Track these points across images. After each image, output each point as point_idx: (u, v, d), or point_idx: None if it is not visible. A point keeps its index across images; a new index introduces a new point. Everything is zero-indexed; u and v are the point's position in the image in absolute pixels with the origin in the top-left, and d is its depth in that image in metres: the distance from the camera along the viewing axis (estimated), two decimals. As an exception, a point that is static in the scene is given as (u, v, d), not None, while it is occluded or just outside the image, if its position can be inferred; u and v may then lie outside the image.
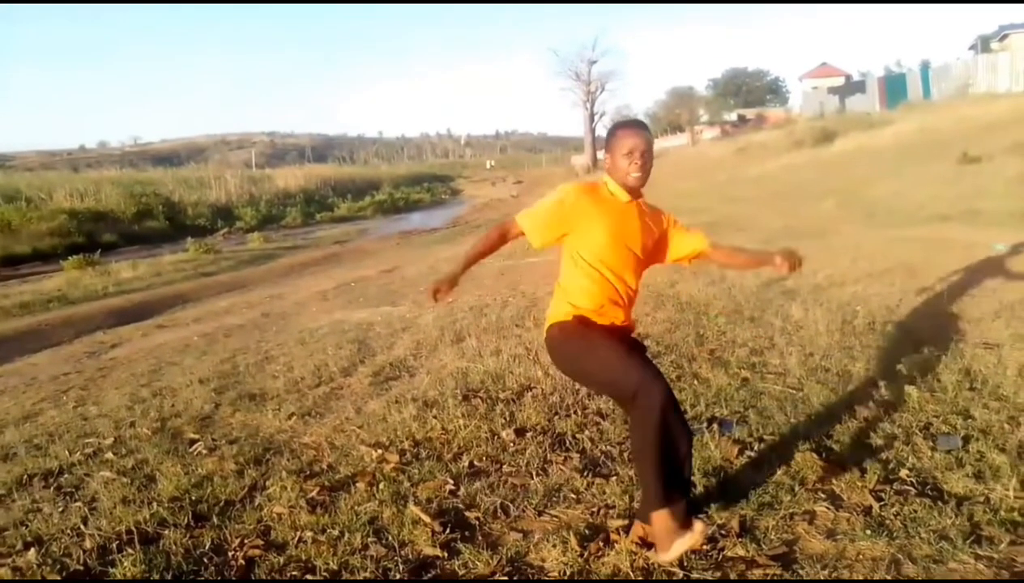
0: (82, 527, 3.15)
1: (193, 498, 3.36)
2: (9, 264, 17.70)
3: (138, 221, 25.09)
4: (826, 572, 2.42)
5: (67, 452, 4.18)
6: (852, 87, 46.09)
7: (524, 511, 3.03)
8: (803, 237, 9.43)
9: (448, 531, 2.88)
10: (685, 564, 2.53)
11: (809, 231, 10.02)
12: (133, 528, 3.05)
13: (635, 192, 2.74)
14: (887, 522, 2.69)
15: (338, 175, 45.29)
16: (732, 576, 2.45)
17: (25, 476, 3.88)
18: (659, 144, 59.19)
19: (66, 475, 3.85)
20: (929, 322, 5.11)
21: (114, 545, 2.94)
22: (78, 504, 3.43)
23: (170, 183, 31.84)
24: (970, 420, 3.50)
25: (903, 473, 3.04)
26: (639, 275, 2.80)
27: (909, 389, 3.89)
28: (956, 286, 5.93)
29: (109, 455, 4.08)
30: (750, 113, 60.72)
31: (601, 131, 63.01)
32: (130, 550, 2.89)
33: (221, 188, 32.39)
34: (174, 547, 2.90)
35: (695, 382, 4.37)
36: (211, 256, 17.07)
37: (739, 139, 39.57)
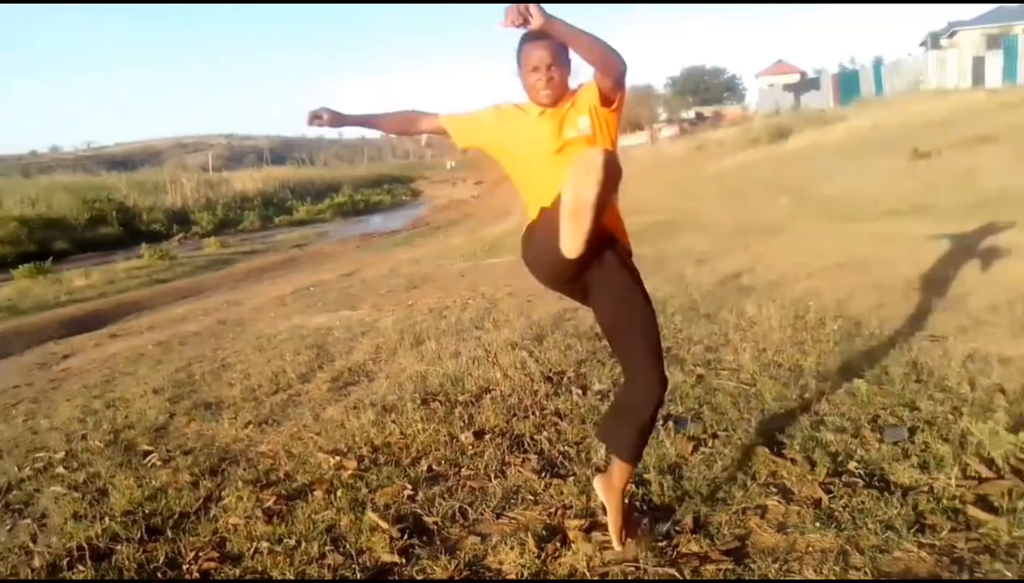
0: (31, 545, 3.10)
1: (147, 511, 3.32)
2: (-43, 274, 17.20)
3: (91, 227, 24.55)
4: (777, 565, 2.47)
5: (16, 468, 4.10)
6: (807, 84, 46.87)
7: (482, 514, 3.05)
8: (758, 234, 9.57)
9: (406, 537, 2.88)
10: (640, 561, 2.57)
11: (765, 227, 10.17)
12: (84, 544, 3.01)
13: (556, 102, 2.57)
14: (836, 514, 2.75)
15: (297, 177, 44.78)
16: (686, 572, 2.49)
17: (-28, 493, 3.79)
18: (619, 142, 59.53)
19: (15, 492, 3.78)
20: (878, 315, 5.22)
21: (64, 562, 2.90)
22: (27, 521, 3.38)
23: (124, 188, 31.15)
24: (916, 411, 3.58)
25: (852, 465, 3.11)
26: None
27: (858, 382, 3.98)
28: (905, 280, 6.06)
29: (60, 469, 4.01)
30: (707, 111, 61.49)
31: (562, 130, 63.18)
32: (81, 567, 2.85)
33: (177, 192, 31.81)
34: (127, 562, 2.87)
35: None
36: (166, 262, 16.78)
37: (697, 137, 39.98)
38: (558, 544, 2.74)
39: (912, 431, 3.37)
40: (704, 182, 19.32)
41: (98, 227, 24.83)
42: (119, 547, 2.99)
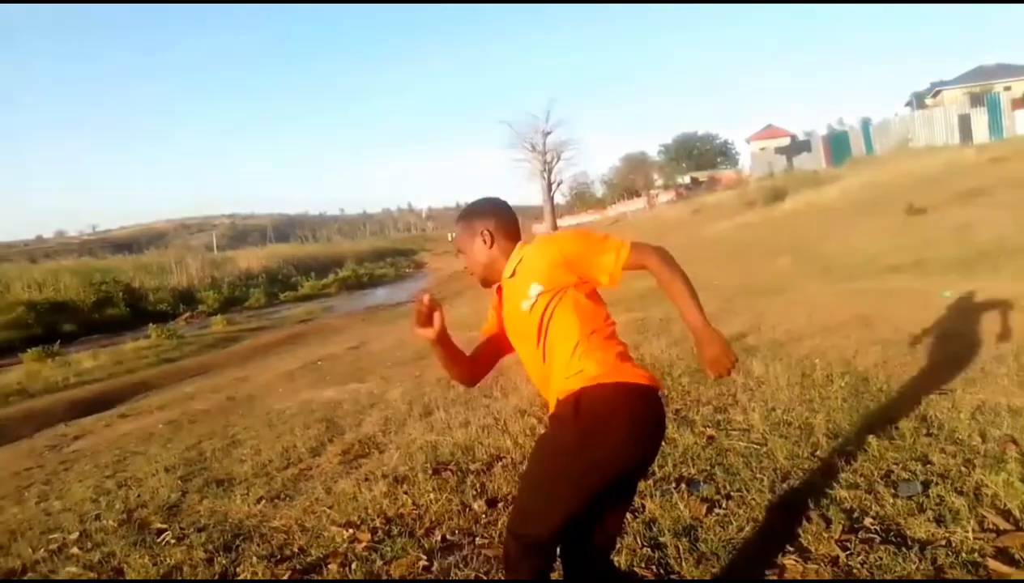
0: (48, 627, 3.09)
1: (161, 590, 3.31)
2: (-35, 361, 17.28)
3: (98, 310, 24.74)
4: (798, 624, 2.46)
5: (30, 549, 4.09)
6: (798, 146, 47.60)
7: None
8: (760, 294, 9.65)
9: (423, 608, 2.87)
10: (660, 626, 2.56)
11: (766, 288, 10.26)
12: (102, 625, 3.00)
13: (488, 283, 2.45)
14: (854, 571, 2.75)
15: (301, 254, 45.31)
16: (706, 634, 2.48)
17: (-14, 578, 3.79)
18: (616, 209, 60.32)
19: (30, 573, 3.78)
20: (885, 371, 5.25)
21: (82, 644, 2.89)
22: (43, 605, 3.36)
23: (130, 270, 31.55)
24: (929, 465, 3.59)
25: (867, 521, 3.11)
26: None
27: (869, 438, 3.99)
28: (909, 334, 6.10)
29: (74, 550, 4.00)
30: (702, 176, 62.35)
31: (560, 199, 64.24)
32: (98, 648, 2.84)
33: (182, 272, 32.16)
34: (144, 642, 2.85)
35: (662, 443, 4.42)
36: (173, 341, 16.87)
37: (693, 201, 40.50)
38: (577, 610, 2.73)
39: (926, 485, 3.37)
40: (704, 245, 19.50)
41: (105, 309, 25.03)
42: (136, 627, 2.98)
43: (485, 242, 2.35)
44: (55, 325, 21.38)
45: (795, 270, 11.87)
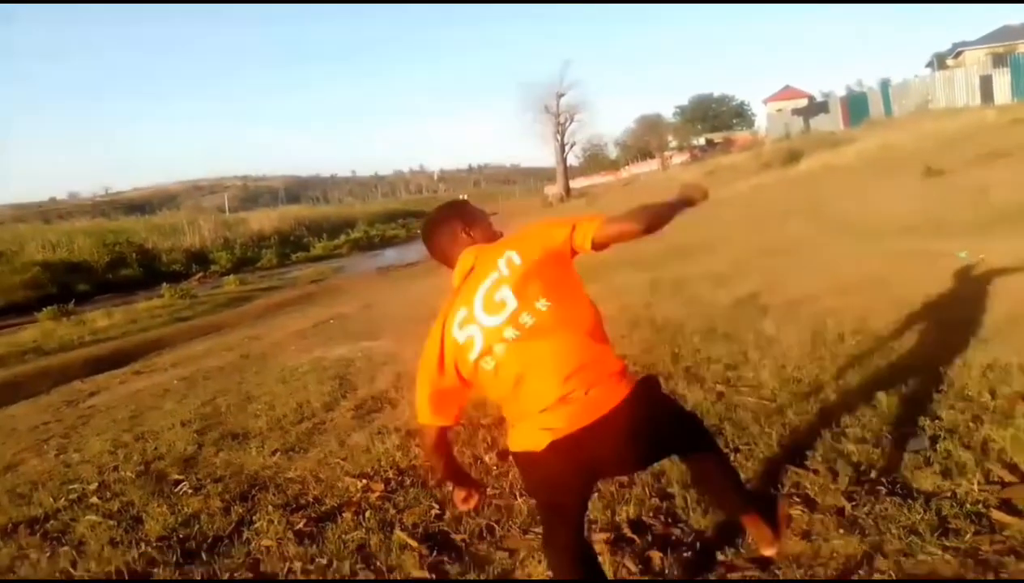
0: (71, 570, 3.18)
1: (181, 536, 3.40)
2: (-17, 319, 17.50)
3: (112, 270, 24.93)
4: (802, 571, 2.50)
5: (51, 499, 4.19)
6: (815, 108, 47.01)
7: (509, 531, 3.10)
8: (774, 254, 9.60)
9: (435, 554, 2.93)
10: (666, 571, 2.61)
11: (780, 249, 10.20)
12: (123, 568, 3.08)
13: None
14: (859, 521, 2.78)
15: (312, 215, 45.32)
16: (712, 578, 2.53)
17: (10, 524, 3.89)
18: (629, 171, 59.91)
19: (52, 521, 3.87)
20: (897, 330, 5.24)
21: (104, 584, 2.97)
22: (66, 548, 3.46)
23: (143, 231, 31.70)
24: (937, 421, 3.60)
25: (874, 474, 3.13)
26: None
27: (878, 395, 4.00)
28: (922, 295, 6.07)
29: (94, 499, 4.10)
30: (718, 137, 61.79)
31: (573, 161, 63.79)
32: (120, 590, 2.92)
33: (195, 233, 32.28)
34: (164, 584, 2.93)
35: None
36: (187, 301, 17.00)
37: (708, 163, 40.16)
38: (586, 557, 2.78)
39: (934, 440, 3.39)
40: (718, 206, 19.36)
41: (118, 269, 25.22)
42: (156, 570, 3.06)
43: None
44: (70, 285, 21.57)
45: (809, 231, 11.78)
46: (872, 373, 4.41)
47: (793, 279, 7.64)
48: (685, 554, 2.71)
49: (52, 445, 5.57)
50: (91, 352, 11.31)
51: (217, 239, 32.59)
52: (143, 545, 3.32)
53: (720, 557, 2.65)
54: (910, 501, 2.85)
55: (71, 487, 4.37)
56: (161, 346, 11.36)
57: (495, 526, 3.13)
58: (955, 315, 5.42)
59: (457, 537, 3.07)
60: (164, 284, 19.43)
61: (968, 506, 2.77)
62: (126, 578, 2.98)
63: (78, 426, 6.15)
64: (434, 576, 2.77)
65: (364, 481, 3.78)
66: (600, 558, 2.72)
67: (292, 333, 10.35)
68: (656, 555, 2.71)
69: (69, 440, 5.65)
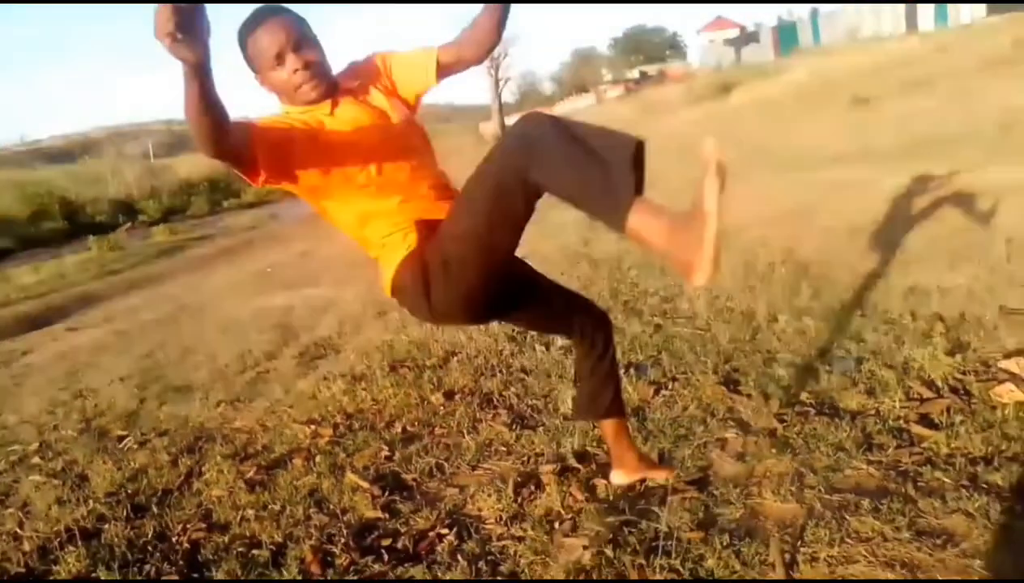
0: (18, 531, 3.15)
1: (129, 491, 3.39)
2: None
3: (34, 223, 23.95)
4: (738, 491, 2.65)
5: (-9, 462, 4.12)
6: (747, 38, 47.28)
7: (459, 468, 3.18)
8: (707, 187, 9.76)
9: (387, 494, 3.00)
10: (610, 497, 2.73)
11: (713, 181, 10.37)
12: (72, 526, 3.07)
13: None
14: (790, 441, 2.94)
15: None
16: (654, 504, 2.65)
17: (-51, 490, 3.81)
18: (567, 106, 59.59)
19: (-8, 485, 3.81)
20: (824, 258, 5.44)
21: (55, 544, 2.96)
22: (11, 510, 3.41)
23: (64, 181, 30.39)
24: (862, 343, 3.79)
25: (803, 396, 3.30)
26: None
27: (807, 320, 4.18)
28: (849, 223, 6.27)
29: (36, 460, 4.04)
30: (651, 70, 61.66)
31: (508, 97, 63.00)
32: (72, 547, 2.92)
33: (119, 182, 31.09)
34: (116, 539, 2.94)
35: (612, 333, 4.56)
36: (116, 253, 16.48)
37: (642, 96, 40.15)
38: (533, 488, 2.89)
39: (859, 361, 3.57)
40: (655, 141, 19.46)
41: (41, 222, 24.23)
42: (107, 526, 3.06)
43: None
44: (-9, 241, 20.69)
45: (739, 164, 11.96)
46: (801, 300, 4.59)
47: (724, 211, 7.78)
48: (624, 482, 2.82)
49: (-14, 407, 5.43)
50: (20, 310, 10.92)
51: (143, 188, 31.47)
52: (91, 502, 3.30)
53: (661, 481, 2.78)
54: (837, 420, 3.02)
55: (11, 449, 4.29)
56: (93, 301, 11.04)
57: (444, 464, 3.21)
58: (879, 241, 5.64)
59: (408, 476, 3.14)
60: (91, 237, 18.74)
61: (890, 422, 2.95)
62: (76, 536, 2.97)
63: (12, 387, 5.99)
64: (386, 516, 2.84)
65: (312, 427, 3.81)
66: (548, 489, 2.84)
67: (229, 283, 10.18)
68: (601, 483, 2.82)
69: (4, 402, 5.51)
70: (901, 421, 2.95)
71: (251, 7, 1.87)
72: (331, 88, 1.96)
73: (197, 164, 39.55)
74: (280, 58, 1.85)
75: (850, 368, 3.51)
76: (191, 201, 30.11)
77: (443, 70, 2.11)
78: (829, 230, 6.20)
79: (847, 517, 2.38)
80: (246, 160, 1.79)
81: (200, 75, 1.53)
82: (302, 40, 1.86)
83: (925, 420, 2.93)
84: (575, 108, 53.48)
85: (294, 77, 1.87)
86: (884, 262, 5.11)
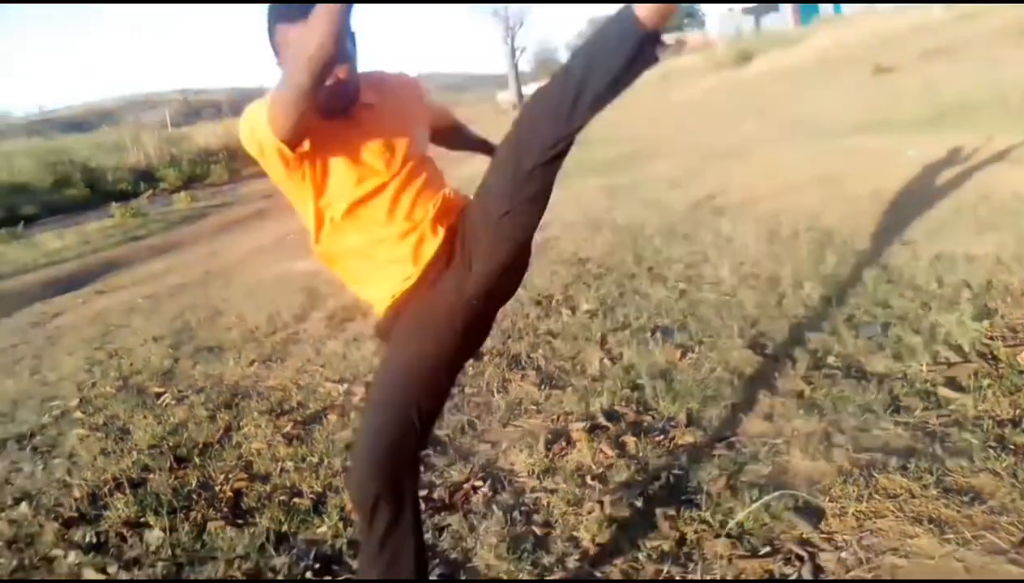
0: (68, 479, 3.28)
1: (171, 444, 3.50)
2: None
3: (57, 190, 24.13)
4: (766, 448, 2.71)
5: (35, 416, 4.24)
6: (766, 7, 46.53)
7: (490, 425, 3.26)
8: (728, 156, 9.73)
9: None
10: (640, 454, 2.80)
11: (734, 150, 10.32)
12: (119, 475, 3.19)
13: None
14: (818, 402, 3.00)
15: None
16: (683, 460, 2.72)
17: (-4, 441, 3.94)
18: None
19: (39, 437, 3.93)
20: (849, 225, 5.44)
21: (104, 491, 3.08)
22: (58, 460, 3.54)
23: (84, 149, 30.56)
24: (888, 309, 3.82)
25: (830, 360, 3.35)
26: None
27: (833, 287, 4.21)
28: (873, 190, 6.26)
29: (78, 414, 4.16)
30: (669, 39, 60.72)
31: (524, 66, 62.49)
32: (120, 494, 3.03)
33: (139, 151, 31.20)
34: (162, 488, 3.05)
35: (636, 297, 4.62)
36: (139, 220, 16.61)
37: (661, 65, 39.70)
38: (564, 444, 2.97)
39: (886, 326, 3.61)
40: (672, 109, 19.37)
41: (63, 189, 24.40)
42: (151, 476, 3.17)
43: None
44: (14, 208, 20.86)
45: (762, 132, 11.91)
46: (826, 267, 4.62)
47: (747, 180, 7.80)
48: (657, 437, 2.90)
49: (25, 366, 5.55)
50: (48, 274, 11.09)
51: (163, 156, 31.54)
52: (135, 453, 3.42)
53: (690, 440, 2.85)
54: (864, 383, 3.07)
55: (53, 404, 4.41)
56: (118, 266, 11.17)
57: (476, 421, 3.29)
58: (904, 209, 5.64)
59: (441, 433, 3.22)
60: (113, 204, 18.90)
61: (918, 385, 2.99)
62: (124, 484, 3.09)
63: (47, 347, 6.12)
64: (422, 468, 2.92)
65: (345, 385, 3.90)
66: (579, 445, 2.92)
67: (252, 249, 10.28)
68: (631, 440, 2.89)
69: (41, 360, 5.64)
70: (928, 384, 2.99)
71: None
72: (351, 103, 1.78)
73: (215, 132, 39.70)
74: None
75: (877, 333, 3.55)
76: (210, 169, 30.16)
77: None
78: (853, 198, 6.19)
79: (875, 474, 2.44)
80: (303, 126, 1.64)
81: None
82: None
83: (952, 383, 2.98)
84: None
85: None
86: (910, 230, 5.12)
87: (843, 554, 2.11)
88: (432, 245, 1.78)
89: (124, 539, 2.76)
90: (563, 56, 75.87)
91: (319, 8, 1.46)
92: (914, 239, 4.88)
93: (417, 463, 1.95)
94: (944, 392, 2.92)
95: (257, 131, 1.65)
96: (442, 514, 2.62)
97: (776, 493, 2.39)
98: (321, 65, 1.51)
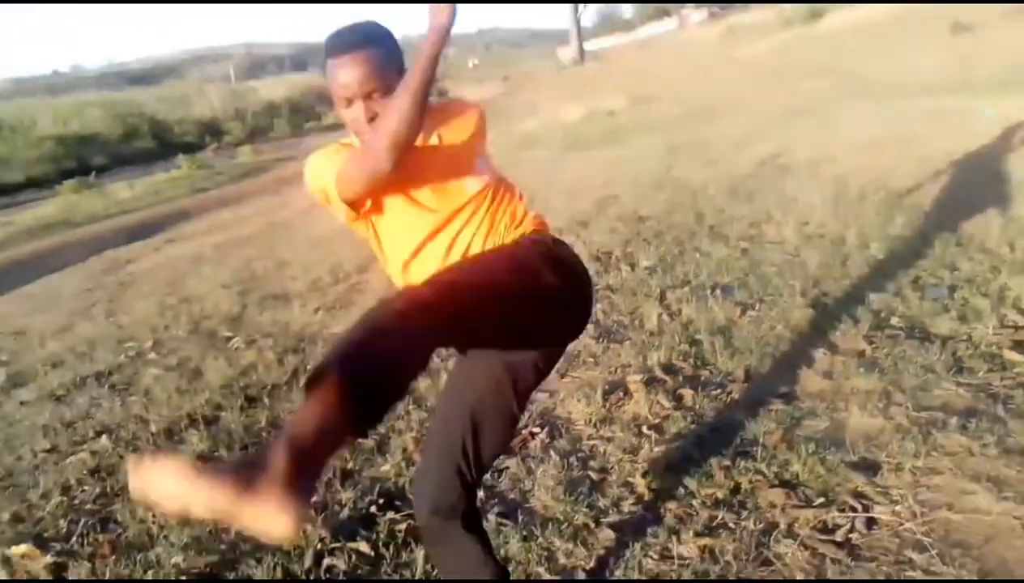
0: (144, 415, 3.46)
1: (241, 385, 3.66)
2: (5, 193, 17.72)
3: (126, 142, 24.93)
4: (824, 405, 2.72)
5: (111, 356, 4.47)
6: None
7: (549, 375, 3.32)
8: (796, 115, 9.52)
9: (480, 395, 3.17)
10: (697, 406, 2.83)
11: (802, 109, 10.09)
12: (193, 412, 3.36)
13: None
14: (879, 361, 2.98)
15: (323, 84, 44.03)
16: (741, 414, 2.75)
17: (78, 378, 4.17)
18: (646, 31, 57.88)
19: (116, 375, 4.14)
20: (919, 188, 5.30)
21: (179, 426, 3.25)
22: (135, 397, 3.73)
23: (152, 102, 31.35)
24: (956, 272, 3.74)
25: (893, 320, 3.31)
26: None
27: (899, 248, 4.14)
28: (946, 153, 6.08)
29: (152, 355, 4.37)
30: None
31: (586, 22, 61.43)
32: (194, 430, 3.20)
33: (205, 104, 31.92)
34: (233, 425, 3.21)
35: (697, 255, 4.61)
36: (205, 171, 17.09)
37: (728, 20, 38.73)
38: (621, 395, 3.02)
39: (952, 289, 3.54)
40: (739, 66, 18.91)
41: (132, 141, 25.19)
42: (224, 414, 3.33)
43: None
44: (86, 158, 21.62)
45: (833, 91, 11.59)
46: (893, 229, 4.53)
47: (815, 139, 7.63)
48: (714, 392, 2.93)
49: (99, 309, 5.83)
50: (118, 223, 11.52)
51: (227, 109, 32.24)
52: (208, 393, 3.59)
53: (747, 395, 2.87)
54: (927, 343, 3.04)
55: (128, 345, 4.63)
56: (186, 216, 11.54)
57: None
58: (978, 172, 5.47)
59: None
60: (180, 155, 19.44)
61: (983, 347, 2.95)
62: (199, 421, 3.25)
63: (120, 292, 6.40)
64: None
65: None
66: (635, 396, 2.97)
67: (314, 203, 10.46)
68: (688, 393, 2.92)
69: (115, 304, 5.91)
70: (994, 347, 2.94)
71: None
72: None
73: (279, 86, 40.24)
74: (350, 102, 1.61)
75: (943, 295, 3.49)
76: (274, 123, 30.75)
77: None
78: (925, 160, 6.02)
79: (934, 432, 2.43)
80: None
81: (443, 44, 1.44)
82: (377, 89, 1.58)
83: (1019, 347, 2.92)
84: (656, 32, 52.01)
85: (357, 125, 1.63)
86: (981, 193, 4.97)
87: (897, 507, 2.12)
88: None
89: (199, 471, 2.92)
90: (626, 12, 74.48)
91: (407, 78, 1.41)
92: (987, 202, 4.73)
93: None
94: (1010, 355, 2.88)
95: (323, 181, 1.61)
96: (501, 458, 2.70)
97: (831, 449, 2.40)
98: (406, 146, 1.45)
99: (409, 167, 1.57)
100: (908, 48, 14.12)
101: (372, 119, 1.58)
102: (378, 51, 1.59)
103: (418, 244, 1.66)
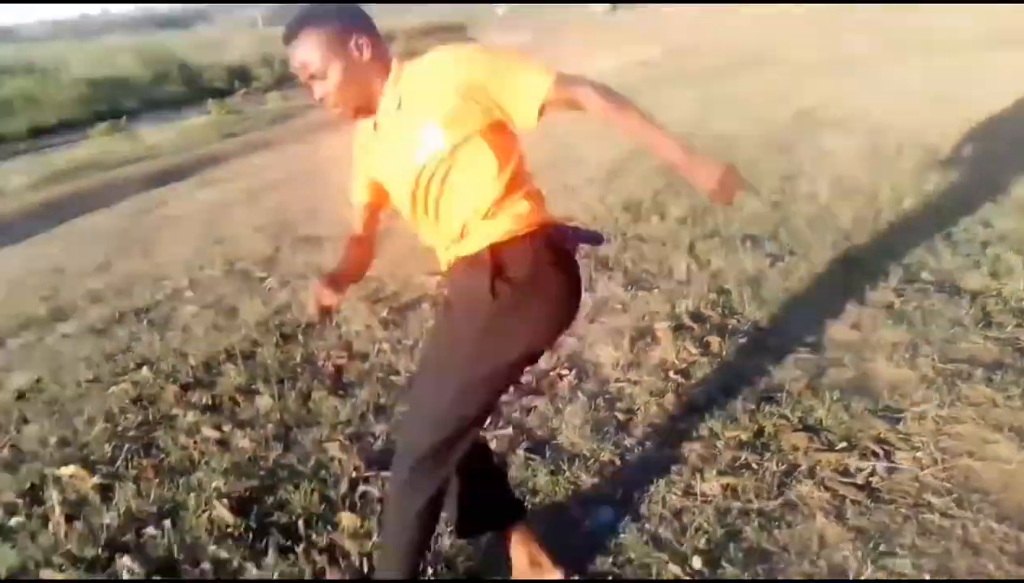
0: (183, 349, 3.57)
1: (276, 323, 3.75)
2: (37, 135, 17.91)
3: (156, 86, 24.93)
4: (851, 355, 2.75)
5: (149, 293, 4.58)
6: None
7: (577, 320, 3.37)
8: (834, 71, 9.33)
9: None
10: (723, 353, 2.87)
11: (840, 64, 9.88)
12: (230, 348, 3.45)
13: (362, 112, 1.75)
14: (907, 314, 2.99)
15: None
16: (768, 361, 2.79)
17: (117, 313, 4.28)
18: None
19: (153, 312, 4.25)
20: (956, 145, 5.23)
21: (217, 360, 3.35)
22: (173, 332, 3.84)
23: (181, 47, 31.29)
24: (990, 228, 3.72)
25: (924, 275, 3.32)
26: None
27: (933, 203, 4.11)
28: (985, 111, 5.97)
29: (188, 293, 4.47)
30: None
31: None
32: (231, 364, 3.30)
33: (234, 49, 31.80)
34: (270, 361, 3.30)
35: (727, 207, 4.60)
36: (234, 117, 17.10)
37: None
38: (648, 341, 3.06)
39: (985, 245, 3.53)
40: (783, 18, 18.49)
41: (162, 85, 25.18)
42: (260, 350, 3.43)
43: (360, 56, 1.65)
44: (116, 101, 21.71)
45: (872, 46, 11.33)
46: (928, 185, 4.49)
47: (852, 95, 7.50)
48: (741, 340, 2.97)
49: (136, 249, 5.93)
50: (151, 165, 11.61)
51: (256, 55, 32.07)
52: (244, 329, 3.69)
53: (774, 343, 2.90)
54: (957, 298, 3.05)
55: (164, 283, 4.74)
56: (217, 161, 11.59)
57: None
58: (1017, 130, 5.38)
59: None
60: (209, 100, 19.47)
61: (1012, 303, 2.96)
62: (236, 356, 3.35)
63: (155, 233, 6.49)
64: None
65: (437, 277, 4.06)
66: (663, 342, 3.01)
67: (343, 148, 10.43)
68: (715, 340, 2.97)
69: (150, 245, 6.01)
70: (1024, 303, 2.95)
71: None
72: (364, 108, 1.74)
73: (307, 33, 39.93)
74: (307, 85, 1.71)
75: (975, 251, 3.48)
76: (301, 70, 30.57)
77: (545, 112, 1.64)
78: (966, 117, 5.91)
79: (959, 383, 2.47)
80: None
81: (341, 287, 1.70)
82: (315, 73, 1.64)
83: (1050, 303, 2.93)
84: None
85: (319, 101, 1.71)
86: (1020, 150, 4.90)
87: (919, 454, 2.16)
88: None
89: (237, 403, 3.03)
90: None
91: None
92: (1025, 160, 4.67)
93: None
94: (1040, 311, 2.88)
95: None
96: (530, 397, 2.77)
97: (856, 397, 2.44)
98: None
99: (382, 136, 1.77)
100: (954, 5, 13.73)
101: (321, 99, 1.69)
102: (309, 36, 1.63)
103: (408, 213, 1.91)
